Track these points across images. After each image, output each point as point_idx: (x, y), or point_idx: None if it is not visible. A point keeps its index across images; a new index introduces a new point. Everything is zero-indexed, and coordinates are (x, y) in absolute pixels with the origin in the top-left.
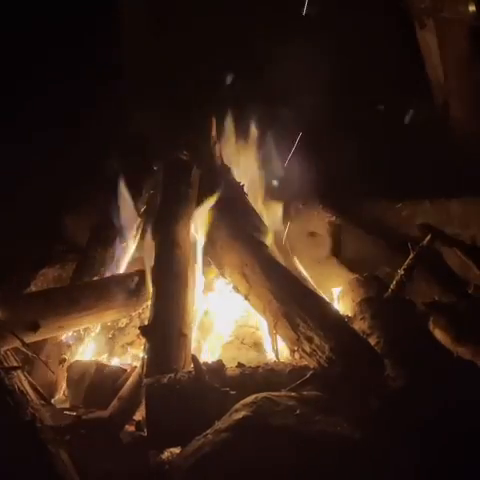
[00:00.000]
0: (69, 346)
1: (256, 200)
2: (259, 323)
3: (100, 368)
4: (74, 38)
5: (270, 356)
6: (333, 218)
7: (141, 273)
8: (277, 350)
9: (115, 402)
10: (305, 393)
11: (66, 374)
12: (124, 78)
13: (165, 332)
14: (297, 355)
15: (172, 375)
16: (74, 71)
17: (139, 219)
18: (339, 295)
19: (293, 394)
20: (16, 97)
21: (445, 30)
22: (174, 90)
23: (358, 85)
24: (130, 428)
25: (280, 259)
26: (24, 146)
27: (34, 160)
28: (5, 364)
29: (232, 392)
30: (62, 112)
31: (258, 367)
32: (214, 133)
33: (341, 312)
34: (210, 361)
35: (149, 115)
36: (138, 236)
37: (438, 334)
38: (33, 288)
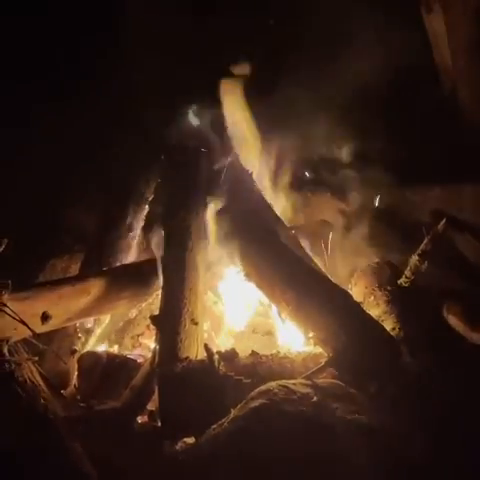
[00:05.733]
0: (79, 337)
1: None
2: (271, 312)
3: (111, 358)
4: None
5: (283, 344)
6: (343, 206)
7: (151, 262)
8: None
9: (127, 392)
10: (321, 381)
11: (77, 365)
12: (131, 61)
13: (176, 321)
14: (312, 342)
15: (185, 364)
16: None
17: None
18: (352, 282)
19: (308, 382)
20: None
21: (452, 14)
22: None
23: (366, 70)
24: (143, 418)
25: (292, 246)
26: (29, 135)
27: (39, 150)
28: (15, 355)
29: (246, 381)
30: (64, 101)
31: (272, 355)
32: (224, 120)
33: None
34: (223, 350)
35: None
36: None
37: (452, 320)
38: (41, 279)
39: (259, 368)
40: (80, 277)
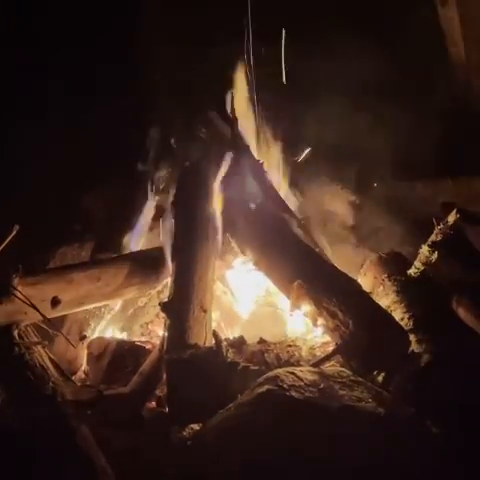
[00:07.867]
0: (89, 323)
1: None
2: (280, 301)
3: (121, 345)
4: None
5: (291, 333)
6: (353, 198)
7: (161, 250)
8: None
9: (136, 378)
10: (328, 368)
11: (86, 351)
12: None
13: (185, 308)
14: (320, 331)
15: (193, 351)
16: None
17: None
18: (361, 272)
19: (316, 369)
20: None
21: (467, 7)
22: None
23: (378, 65)
24: (151, 404)
25: (302, 236)
26: (41, 124)
27: (51, 139)
28: (25, 339)
29: (254, 367)
30: (78, 92)
31: (280, 343)
32: (233, 110)
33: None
34: (231, 337)
35: (166, 94)
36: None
37: (461, 313)
38: (52, 267)
39: (267, 355)
40: (90, 263)
